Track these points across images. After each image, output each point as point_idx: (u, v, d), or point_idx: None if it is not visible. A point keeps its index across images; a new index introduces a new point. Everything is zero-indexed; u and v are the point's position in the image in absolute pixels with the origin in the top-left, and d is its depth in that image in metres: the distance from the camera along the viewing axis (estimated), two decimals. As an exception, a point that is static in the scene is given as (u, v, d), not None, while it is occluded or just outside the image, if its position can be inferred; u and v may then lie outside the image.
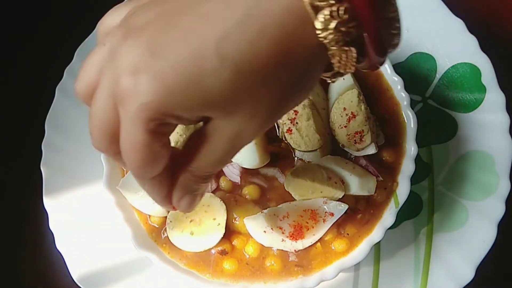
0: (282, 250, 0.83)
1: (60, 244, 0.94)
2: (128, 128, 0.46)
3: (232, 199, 0.85)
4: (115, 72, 0.45)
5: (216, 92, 0.44)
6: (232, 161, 0.87)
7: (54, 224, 0.96)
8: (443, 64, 1.01)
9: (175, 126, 0.49)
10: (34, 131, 1.02)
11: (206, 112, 0.47)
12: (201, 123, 0.51)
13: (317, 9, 0.43)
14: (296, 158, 0.87)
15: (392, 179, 0.86)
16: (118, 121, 0.47)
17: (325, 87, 0.90)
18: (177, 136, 0.85)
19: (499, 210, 0.90)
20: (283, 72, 0.45)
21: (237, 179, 0.86)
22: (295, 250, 0.82)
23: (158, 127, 0.46)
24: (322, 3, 0.42)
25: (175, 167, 0.53)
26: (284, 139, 0.87)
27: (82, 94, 0.50)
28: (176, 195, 0.54)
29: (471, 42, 0.99)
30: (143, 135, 0.46)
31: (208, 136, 0.49)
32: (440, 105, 1.00)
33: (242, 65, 0.43)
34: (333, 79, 0.53)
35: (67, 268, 0.93)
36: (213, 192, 0.86)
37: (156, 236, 0.86)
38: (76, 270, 0.93)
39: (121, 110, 0.46)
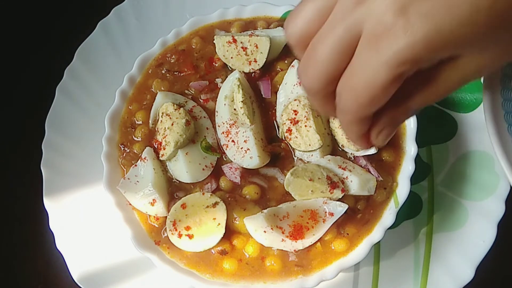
0: (282, 250, 0.83)
1: (60, 244, 0.95)
2: (373, 68, 0.45)
3: (232, 199, 0.85)
4: (369, 12, 0.45)
5: (486, 27, 0.43)
6: (232, 161, 0.87)
7: (54, 224, 0.96)
8: (443, 64, 1.01)
9: (415, 70, 0.47)
10: (34, 131, 1.02)
11: (466, 49, 0.46)
12: None
13: None
14: (296, 158, 0.87)
15: (392, 179, 0.86)
16: (347, 62, 0.47)
17: (325, 87, 0.90)
18: (177, 136, 0.85)
19: (499, 210, 0.90)
20: None
21: (237, 179, 0.86)
22: (295, 250, 0.82)
23: (408, 70, 0.45)
24: None
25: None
26: (284, 139, 0.87)
27: (296, 37, 0.50)
28: (377, 128, 0.54)
29: (471, 42, 0.99)
30: (388, 77, 0.45)
31: (445, 72, 0.48)
32: (440, 105, 1.00)
33: None
34: None
35: (67, 268, 0.93)
36: (213, 192, 0.86)
37: (156, 236, 0.86)
38: (76, 270, 0.93)
39: (368, 50, 0.45)
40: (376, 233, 0.83)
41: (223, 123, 0.88)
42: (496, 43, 0.46)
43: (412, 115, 0.54)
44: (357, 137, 0.55)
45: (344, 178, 0.84)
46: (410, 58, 0.44)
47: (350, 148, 0.85)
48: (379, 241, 0.82)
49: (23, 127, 1.09)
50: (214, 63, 0.93)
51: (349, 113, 0.51)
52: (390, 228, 0.83)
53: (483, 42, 0.45)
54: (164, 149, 0.86)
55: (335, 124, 0.86)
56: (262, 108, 0.90)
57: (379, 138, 0.55)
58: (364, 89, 0.47)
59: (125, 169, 0.89)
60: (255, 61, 0.90)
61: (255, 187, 0.86)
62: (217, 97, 0.91)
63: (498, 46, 0.47)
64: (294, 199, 0.84)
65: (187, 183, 0.87)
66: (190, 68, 0.93)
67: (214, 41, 0.92)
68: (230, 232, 0.84)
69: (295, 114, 0.85)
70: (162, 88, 0.92)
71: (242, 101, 0.86)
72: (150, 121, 0.91)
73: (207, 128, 0.89)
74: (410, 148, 0.86)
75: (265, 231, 0.80)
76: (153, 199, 0.84)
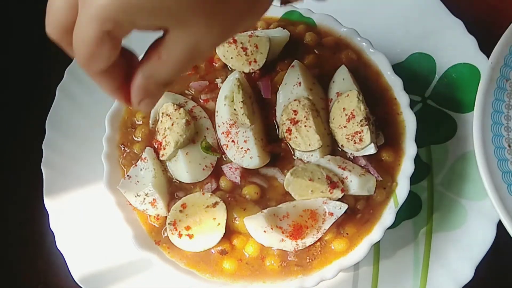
0: (282, 250, 0.83)
1: (60, 244, 0.95)
2: (84, 23, 0.50)
3: (232, 199, 0.85)
4: None
5: (173, 3, 0.49)
6: (232, 161, 0.87)
7: (54, 224, 0.96)
8: (443, 64, 1.01)
9: (130, 31, 0.53)
10: (34, 131, 1.02)
11: (162, 20, 0.51)
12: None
13: None
14: (296, 158, 0.87)
15: (391, 179, 0.86)
16: (75, 16, 0.52)
17: (325, 87, 0.90)
18: (177, 136, 0.85)
19: (498, 210, 0.90)
20: None
21: (237, 179, 0.86)
22: (295, 250, 0.82)
23: (113, 29, 0.51)
24: None
25: (134, 70, 0.57)
26: (284, 139, 0.88)
27: None
28: (136, 97, 0.59)
29: (470, 42, 0.99)
30: (96, 33, 0.50)
31: (167, 45, 0.54)
32: (440, 105, 1.00)
33: None
34: (283, 4, 0.60)
35: (67, 268, 0.93)
36: (213, 192, 0.86)
37: (156, 236, 0.86)
38: (76, 270, 0.93)
39: (81, 7, 0.50)
40: (375, 233, 0.83)
41: (223, 123, 0.88)
42: (193, 23, 0.51)
43: (164, 87, 0.59)
44: (109, 91, 0.59)
45: (343, 178, 0.84)
46: (109, 17, 0.49)
47: (350, 148, 0.85)
48: (378, 241, 0.83)
49: (23, 127, 1.09)
50: (214, 63, 0.93)
51: (83, 67, 0.55)
52: (389, 228, 0.83)
53: (179, 19, 0.51)
54: (164, 149, 0.87)
55: (335, 124, 0.86)
56: (262, 108, 0.90)
57: (141, 106, 0.60)
58: (82, 44, 0.52)
59: (125, 169, 0.89)
60: (255, 61, 0.90)
61: (255, 187, 0.86)
62: (217, 97, 0.91)
63: (197, 26, 0.51)
64: (294, 199, 0.84)
65: (187, 183, 0.87)
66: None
67: (214, 41, 0.92)
68: (230, 232, 0.84)
69: (295, 114, 0.85)
70: (162, 88, 0.92)
71: (242, 101, 0.86)
72: (150, 121, 0.91)
73: (207, 128, 0.89)
74: (410, 148, 0.86)
75: (265, 231, 0.81)
76: (153, 199, 0.84)
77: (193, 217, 0.83)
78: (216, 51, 0.92)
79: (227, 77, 0.91)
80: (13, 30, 1.17)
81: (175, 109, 0.87)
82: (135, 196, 0.85)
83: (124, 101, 0.60)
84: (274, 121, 0.90)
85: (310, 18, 0.95)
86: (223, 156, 0.88)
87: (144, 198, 0.85)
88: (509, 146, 0.78)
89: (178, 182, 0.87)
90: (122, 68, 0.57)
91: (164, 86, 0.59)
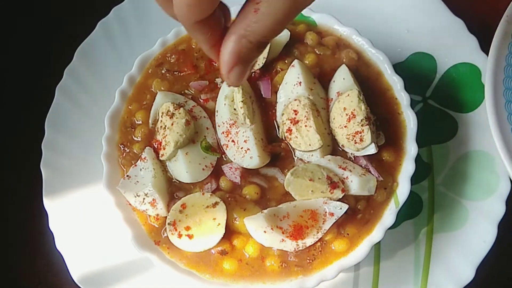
0: (282, 250, 0.82)
1: (60, 244, 0.94)
2: None
3: (232, 199, 0.85)
4: None
5: None
6: (232, 161, 0.87)
7: (54, 224, 0.96)
8: (443, 64, 1.01)
9: None
10: (34, 131, 1.02)
11: None
12: None
13: None
14: (296, 158, 0.87)
15: (392, 179, 0.86)
16: None
17: (325, 86, 0.90)
18: (177, 136, 0.85)
19: (499, 210, 0.90)
20: None
21: (237, 179, 0.86)
22: (295, 250, 0.82)
23: None
24: None
25: (227, 31, 0.56)
26: (284, 139, 0.87)
27: None
28: (227, 64, 0.57)
29: (471, 42, 0.99)
30: None
31: (262, 7, 0.52)
32: (440, 105, 1.00)
33: None
34: None
35: (67, 268, 0.93)
36: (213, 192, 0.86)
37: (156, 236, 0.85)
38: (76, 270, 0.93)
39: None
40: (376, 233, 0.83)
41: (223, 123, 0.88)
42: None
43: (258, 50, 0.57)
44: (205, 47, 0.59)
45: (344, 178, 0.83)
46: None
47: (351, 148, 0.85)
48: (379, 241, 0.82)
49: (23, 127, 1.09)
50: (214, 63, 0.93)
51: (182, 16, 0.55)
52: (390, 228, 0.83)
53: None
54: (164, 149, 0.86)
55: (335, 124, 0.86)
56: (262, 108, 0.90)
57: (231, 76, 0.59)
58: None
59: (125, 169, 0.89)
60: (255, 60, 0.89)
61: (255, 187, 0.85)
62: (217, 97, 0.90)
63: None
64: (294, 199, 0.84)
65: (187, 183, 0.86)
66: (190, 68, 0.93)
67: (214, 41, 0.92)
68: (230, 232, 0.84)
69: (295, 114, 0.85)
70: (162, 88, 0.92)
71: (242, 101, 0.86)
72: (150, 121, 0.91)
73: (207, 128, 0.89)
74: (411, 148, 0.86)
75: (265, 231, 0.80)
76: (153, 199, 0.84)
77: (193, 217, 0.83)
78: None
79: (227, 76, 0.91)
80: (13, 30, 1.17)
81: (175, 109, 0.87)
82: (135, 196, 0.85)
83: (216, 57, 0.59)
84: (274, 121, 0.90)
85: (311, 17, 0.95)
86: (223, 156, 0.88)
87: (144, 198, 0.84)
88: None
89: (178, 182, 0.87)
90: (218, 23, 0.56)
91: (258, 47, 0.57)
